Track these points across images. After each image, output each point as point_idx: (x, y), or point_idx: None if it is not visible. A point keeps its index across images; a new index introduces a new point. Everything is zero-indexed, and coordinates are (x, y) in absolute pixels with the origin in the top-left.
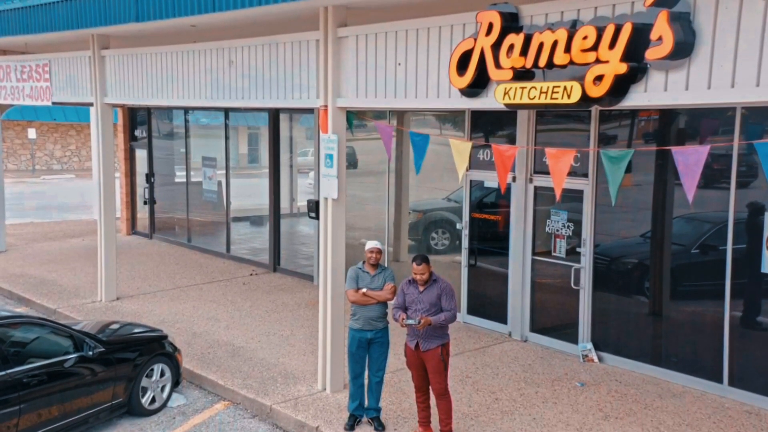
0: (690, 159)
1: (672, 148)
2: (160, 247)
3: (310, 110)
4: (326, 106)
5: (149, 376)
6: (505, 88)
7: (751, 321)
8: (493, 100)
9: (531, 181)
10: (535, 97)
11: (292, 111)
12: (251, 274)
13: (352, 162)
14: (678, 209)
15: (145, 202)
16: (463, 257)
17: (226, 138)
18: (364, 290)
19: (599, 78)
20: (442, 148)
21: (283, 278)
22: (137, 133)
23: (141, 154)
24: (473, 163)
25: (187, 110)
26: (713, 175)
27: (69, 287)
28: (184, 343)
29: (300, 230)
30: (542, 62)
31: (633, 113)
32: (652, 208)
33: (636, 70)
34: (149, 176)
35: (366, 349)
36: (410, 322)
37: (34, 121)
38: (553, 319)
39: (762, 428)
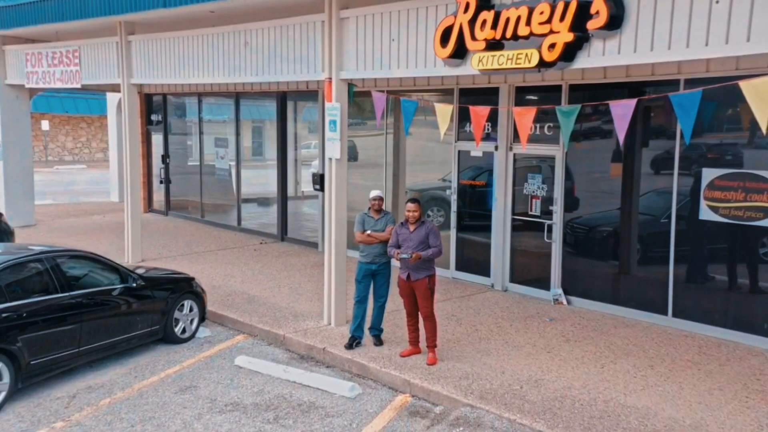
0: (621, 110)
1: (610, 102)
2: (176, 222)
3: (314, 99)
4: (330, 78)
5: (180, 309)
6: (480, 57)
7: (692, 262)
8: (470, 67)
9: (511, 149)
10: (503, 63)
11: (297, 98)
12: (261, 243)
13: (353, 155)
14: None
15: (161, 182)
16: (452, 219)
17: (237, 120)
18: (369, 232)
19: (552, 46)
20: (436, 143)
21: (290, 246)
22: (153, 117)
23: (156, 139)
24: (461, 135)
25: (201, 101)
26: (660, 156)
27: (98, 252)
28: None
29: (304, 210)
30: (509, 34)
31: (597, 87)
32: (621, 179)
33: (581, 39)
34: (165, 157)
35: (370, 278)
36: (403, 256)
37: (47, 113)
38: (529, 270)
39: (692, 345)
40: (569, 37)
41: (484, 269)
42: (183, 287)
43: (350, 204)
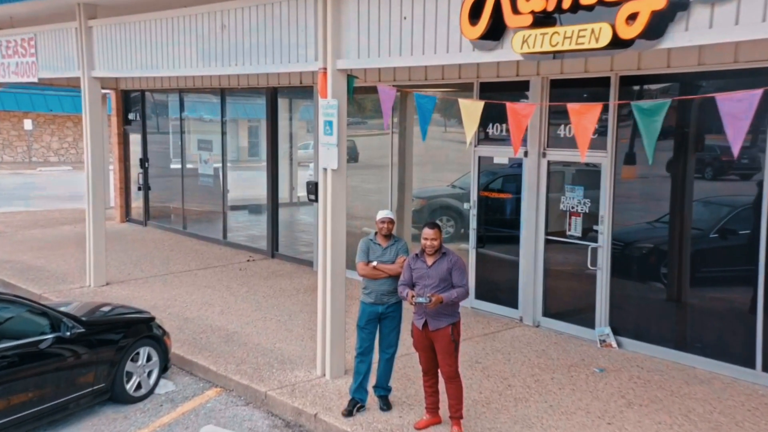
0: (737, 107)
1: (716, 95)
2: (155, 233)
3: (311, 96)
4: (325, 68)
5: (135, 360)
6: (524, 36)
7: None
8: (509, 50)
9: (544, 155)
10: (557, 43)
11: (291, 95)
12: (248, 260)
13: (353, 156)
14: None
15: (139, 188)
16: (471, 239)
17: (222, 124)
18: (375, 263)
19: (633, 17)
20: (445, 143)
21: (281, 264)
22: (131, 116)
23: (135, 139)
24: (481, 139)
25: (182, 99)
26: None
27: (57, 272)
28: (175, 329)
29: (299, 219)
30: (566, 4)
31: (656, 79)
32: (671, 187)
33: (676, 5)
34: (143, 161)
35: (376, 324)
36: (420, 300)
37: (31, 112)
38: (567, 303)
39: None
40: (659, 3)
41: (510, 299)
42: (139, 331)
43: (349, 211)
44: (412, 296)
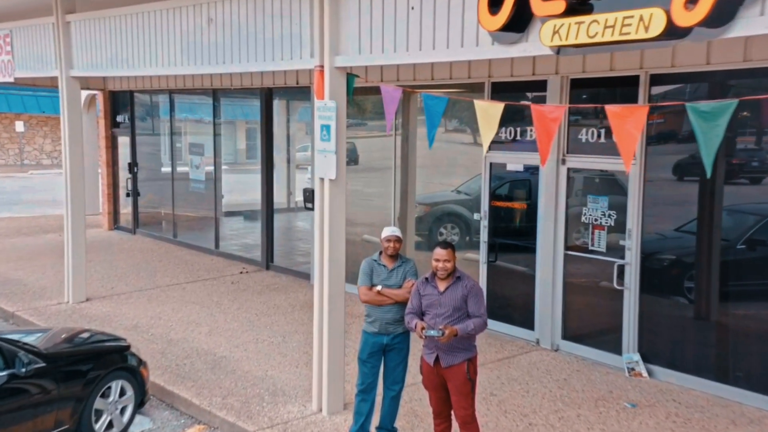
0: None
1: None
2: (143, 242)
3: (307, 98)
4: (322, 66)
5: (105, 395)
6: (555, 26)
7: None
8: (537, 43)
9: (563, 162)
10: (597, 33)
11: (288, 96)
12: (241, 272)
13: (353, 158)
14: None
15: (127, 194)
16: (482, 252)
17: (215, 126)
18: (379, 288)
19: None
20: (449, 144)
21: (276, 277)
22: (119, 118)
23: (124, 142)
24: (493, 144)
25: (172, 100)
26: None
27: (34, 287)
28: (157, 353)
29: (297, 225)
30: None
31: (692, 77)
32: (703, 196)
33: None
34: (132, 165)
35: (380, 357)
36: (432, 333)
37: (23, 113)
38: (590, 324)
39: None
40: None
41: (525, 319)
42: (111, 362)
43: (349, 217)
44: (422, 328)
